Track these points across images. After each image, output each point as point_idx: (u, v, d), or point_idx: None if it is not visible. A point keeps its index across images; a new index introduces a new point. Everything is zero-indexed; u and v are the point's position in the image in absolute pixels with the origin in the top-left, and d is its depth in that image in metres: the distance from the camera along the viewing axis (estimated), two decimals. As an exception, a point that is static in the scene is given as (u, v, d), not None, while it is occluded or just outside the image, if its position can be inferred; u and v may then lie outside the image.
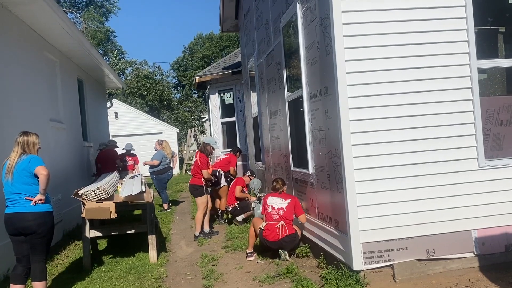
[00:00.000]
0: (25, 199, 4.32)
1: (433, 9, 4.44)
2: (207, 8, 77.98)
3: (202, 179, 7.42)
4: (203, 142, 8.10)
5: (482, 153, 4.47)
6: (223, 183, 8.55)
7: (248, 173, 8.62)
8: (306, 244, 5.62)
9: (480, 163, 4.47)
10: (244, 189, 8.35)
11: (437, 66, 4.44)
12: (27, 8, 6.25)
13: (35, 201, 4.33)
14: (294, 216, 5.61)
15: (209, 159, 7.76)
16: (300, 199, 6.00)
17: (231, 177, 8.93)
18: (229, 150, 10.98)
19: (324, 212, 5.08)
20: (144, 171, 11.70)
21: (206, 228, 7.50)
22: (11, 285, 4.40)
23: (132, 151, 12.45)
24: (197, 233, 7.39)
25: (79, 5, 31.18)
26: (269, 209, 5.61)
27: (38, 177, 4.33)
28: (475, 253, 4.44)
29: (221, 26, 11.97)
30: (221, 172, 8.72)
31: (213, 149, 7.79)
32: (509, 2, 4.74)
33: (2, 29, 5.99)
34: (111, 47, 34.57)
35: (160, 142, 11.38)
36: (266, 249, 5.74)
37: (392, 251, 4.32)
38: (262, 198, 6.30)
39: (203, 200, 7.42)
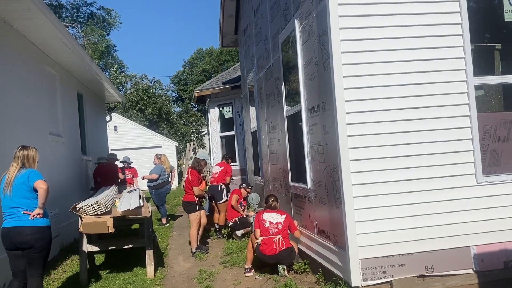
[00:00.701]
0: (23, 213, 4.29)
1: (430, 26, 4.50)
2: (207, 23, 78.77)
3: (194, 196, 7.36)
4: (195, 158, 8.05)
5: (480, 169, 4.48)
6: (225, 197, 8.53)
7: (244, 185, 8.57)
8: (305, 260, 5.59)
9: (478, 179, 4.48)
10: (243, 202, 8.31)
11: (434, 82, 4.48)
12: (28, 23, 6.31)
13: (34, 215, 4.30)
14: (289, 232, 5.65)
15: (208, 173, 7.76)
16: (299, 214, 5.99)
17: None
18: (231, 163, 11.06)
19: (323, 227, 5.06)
20: (142, 185, 11.68)
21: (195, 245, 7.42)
22: None
23: (130, 164, 12.43)
24: (194, 250, 7.33)
25: (81, 20, 31.43)
26: (267, 224, 5.61)
27: (37, 191, 4.31)
28: (474, 269, 4.42)
29: (220, 41, 12.06)
30: (223, 186, 8.66)
31: (207, 164, 7.80)
32: (505, 19, 4.79)
33: (3, 44, 6.04)
34: (112, 61, 34.77)
35: (158, 156, 11.37)
36: (264, 264, 5.71)
37: (390, 267, 4.30)
38: (262, 209, 6.31)
39: (196, 217, 7.35)
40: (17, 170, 4.37)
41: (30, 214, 4.30)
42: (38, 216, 4.33)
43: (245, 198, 8.35)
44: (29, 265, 4.35)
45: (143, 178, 10.89)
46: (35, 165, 4.51)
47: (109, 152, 12.11)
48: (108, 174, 9.86)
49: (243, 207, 8.27)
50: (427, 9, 4.50)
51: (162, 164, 11.01)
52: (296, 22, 5.47)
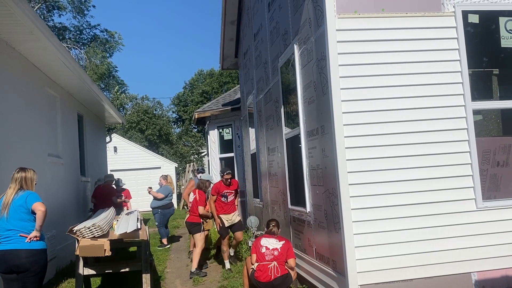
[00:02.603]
0: (20, 235, 4.24)
1: (428, 51, 4.55)
2: (208, 45, 79.74)
3: (199, 216, 7.48)
4: (200, 178, 8.13)
5: (479, 194, 4.46)
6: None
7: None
8: (304, 286, 5.51)
9: (478, 204, 4.45)
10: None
11: (433, 107, 4.50)
12: (30, 45, 6.38)
13: (30, 238, 4.25)
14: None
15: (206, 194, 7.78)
16: (298, 238, 5.92)
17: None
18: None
19: (322, 252, 5.00)
20: (141, 205, 11.61)
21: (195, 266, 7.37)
22: None
23: (122, 186, 12.35)
24: (193, 269, 7.28)
25: (84, 41, 31.84)
26: (263, 250, 5.51)
27: (35, 214, 4.28)
28: (476, 296, 4.35)
29: (221, 64, 12.19)
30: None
31: (211, 184, 7.99)
32: (502, 45, 4.85)
33: (5, 66, 6.10)
34: (113, 81, 35.05)
35: (164, 177, 11.28)
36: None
37: (390, 293, 4.23)
38: (259, 235, 6.22)
39: (202, 237, 7.49)
40: (14, 192, 4.35)
41: (26, 237, 4.25)
42: (35, 239, 4.29)
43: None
44: None
45: (149, 191, 10.75)
46: (33, 187, 4.49)
47: (107, 174, 12.03)
48: (103, 196, 9.80)
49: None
50: (424, 35, 4.56)
51: (169, 185, 10.93)
52: (295, 46, 5.53)
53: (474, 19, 4.93)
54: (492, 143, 4.75)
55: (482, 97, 5.09)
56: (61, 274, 7.64)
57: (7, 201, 4.31)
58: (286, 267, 5.43)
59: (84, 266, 5.89)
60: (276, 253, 5.45)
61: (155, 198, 10.55)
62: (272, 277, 5.29)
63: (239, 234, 7.64)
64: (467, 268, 4.37)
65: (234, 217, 7.60)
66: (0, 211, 4.30)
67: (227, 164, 13.26)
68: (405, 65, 4.50)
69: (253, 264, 5.50)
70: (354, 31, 4.44)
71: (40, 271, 4.36)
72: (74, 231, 5.62)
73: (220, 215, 7.45)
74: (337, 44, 4.36)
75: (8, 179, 5.64)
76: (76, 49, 28.67)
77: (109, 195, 10.01)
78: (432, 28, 4.58)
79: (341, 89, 4.34)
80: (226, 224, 7.45)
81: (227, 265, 7.47)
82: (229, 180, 7.49)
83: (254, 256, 5.56)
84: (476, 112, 4.70)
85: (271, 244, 5.54)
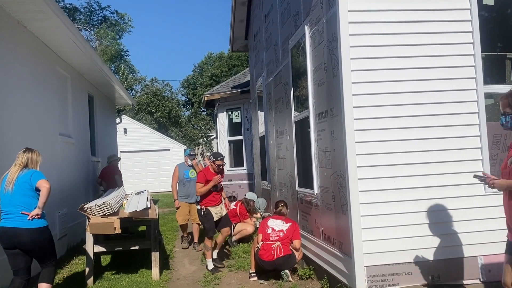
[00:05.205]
0: (22, 213, 4.30)
1: (441, 34, 4.49)
2: (218, 28, 79.17)
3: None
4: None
5: (488, 178, 4.43)
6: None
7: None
8: (310, 266, 5.57)
9: (486, 189, 4.43)
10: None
11: (444, 90, 4.46)
12: (41, 24, 6.40)
13: (32, 216, 4.30)
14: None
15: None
16: (305, 219, 5.97)
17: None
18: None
19: (329, 233, 5.04)
20: (150, 187, 11.53)
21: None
22: None
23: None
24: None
25: (94, 23, 31.81)
26: (269, 230, 5.62)
27: (38, 191, 4.35)
28: (481, 280, 4.37)
29: (231, 46, 12.13)
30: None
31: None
32: (517, 29, 4.77)
33: (16, 44, 6.13)
34: (124, 65, 35.05)
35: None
36: (266, 269, 5.70)
37: (396, 275, 4.27)
38: (268, 215, 6.29)
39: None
40: (20, 170, 4.43)
41: (28, 215, 4.30)
42: (36, 217, 4.33)
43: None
44: (38, 261, 4.45)
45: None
46: (37, 167, 4.57)
47: (110, 154, 11.00)
48: (109, 176, 9.75)
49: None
50: (438, 17, 4.49)
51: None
52: (306, 27, 5.49)
53: (489, 1, 4.84)
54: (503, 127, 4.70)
55: (495, 81, 5.03)
56: (72, 251, 7.81)
57: (12, 177, 4.39)
58: (290, 248, 5.51)
59: (95, 243, 6.02)
60: (281, 234, 5.54)
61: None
62: (275, 257, 5.39)
63: (226, 231, 6.60)
64: (474, 251, 4.39)
65: (222, 210, 6.57)
66: (5, 187, 4.38)
67: (236, 147, 13.31)
68: (418, 47, 4.44)
69: (258, 244, 5.61)
70: (366, 12, 4.39)
71: (45, 246, 4.46)
72: (85, 209, 5.72)
73: (208, 207, 6.33)
74: (348, 25, 4.32)
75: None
76: (87, 30, 28.63)
77: (112, 174, 9.80)
78: (445, 10, 4.50)
79: (351, 70, 4.31)
80: (215, 218, 6.36)
81: (210, 266, 6.31)
82: (221, 167, 6.44)
83: (260, 236, 5.66)
84: (487, 96, 4.65)
85: (277, 225, 5.63)
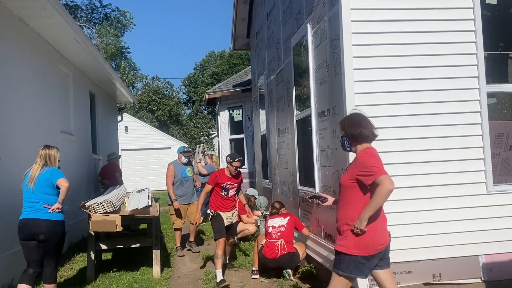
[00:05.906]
0: (43, 207, 4.57)
1: (443, 33, 4.48)
2: (220, 26, 79.19)
3: None
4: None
5: (490, 177, 4.45)
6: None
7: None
8: (311, 264, 5.57)
9: (488, 188, 4.44)
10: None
11: (446, 89, 4.45)
12: (43, 22, 6.40)
13: (53, 209, 4.59)
14: (295, 235, 5.62)
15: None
16: (306, 218, 5.97)
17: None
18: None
19: (330, 232, 5.04)
20: (152, 185, 11.55)
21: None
22: (19, 284, 4.53)
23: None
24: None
25: (96, 21, 31.79)
26: (270, 229, 5.67)
27: (58, 188, 4.64)
28: (483, 279, 4.37)
29: (232, 44, 12.13)
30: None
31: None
32: (519, 28, 4.76)
33: (18, 41, 6.14)
34: (125, 63, 35.04)
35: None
36: (269, 267, 5.71)
37: (397, 274, 4.26)
38: (268, 215, 6.30)
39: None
40: (40, 167, 4.69)
41: (49, 208, 4.58)
42: (57, 210, 4.62)
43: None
44: (45, 256, 4.62)
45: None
46: (56, 163, 4.82)
47: (109, 152, 10.97)
48: (109, 174, 9.75)
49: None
50: (441, 15, 4.49)
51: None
52: (309, 26, 5.48)
53: (492, 0, 4.83)
54: (505, 127, 4.70)
55: (497, 80, 5.02)
56: (73, 248, 7.83)
57: (33, 175, 4.64)
58: (293, 246, 5.53)
59: (96, 241, 6.03)
60: (282, 229, 5.57)
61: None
62: (279, 254, 5.40)
63: (229, 240, 6.27)
64: (475, 250, 4.39)
65: (234, 217, 6.07)
66: (27, 183, 4.64)
67: (237, 146, 13.29)
68: (421, 46, 4.44)
69: (262, 242, 5.63)
70: (369, 10, 4.39)
71: (58, 241, 4.70)
72: (86, 207, 5.73)
73: (219, 212, 5.89)
74: (351, 23, 4.31)
75: (21, 154, 5.75)
76: (88, 28, 28.62)
77: (112, 172, 9.79)
78: (448, 8, 4.50)
79: (354, 69, 4.31)
80: (225, 223, 5.85)
81: (219, 277, 5.51)
82: (238, 170, 5.86)
83: (263, 235, 5.68)
84: (490, 95, 4.65)
85: (276, 222, 5.67)
